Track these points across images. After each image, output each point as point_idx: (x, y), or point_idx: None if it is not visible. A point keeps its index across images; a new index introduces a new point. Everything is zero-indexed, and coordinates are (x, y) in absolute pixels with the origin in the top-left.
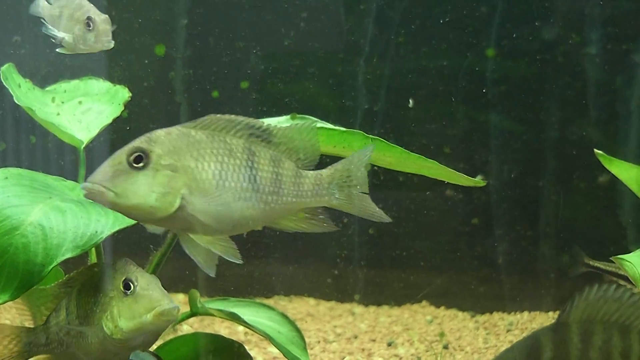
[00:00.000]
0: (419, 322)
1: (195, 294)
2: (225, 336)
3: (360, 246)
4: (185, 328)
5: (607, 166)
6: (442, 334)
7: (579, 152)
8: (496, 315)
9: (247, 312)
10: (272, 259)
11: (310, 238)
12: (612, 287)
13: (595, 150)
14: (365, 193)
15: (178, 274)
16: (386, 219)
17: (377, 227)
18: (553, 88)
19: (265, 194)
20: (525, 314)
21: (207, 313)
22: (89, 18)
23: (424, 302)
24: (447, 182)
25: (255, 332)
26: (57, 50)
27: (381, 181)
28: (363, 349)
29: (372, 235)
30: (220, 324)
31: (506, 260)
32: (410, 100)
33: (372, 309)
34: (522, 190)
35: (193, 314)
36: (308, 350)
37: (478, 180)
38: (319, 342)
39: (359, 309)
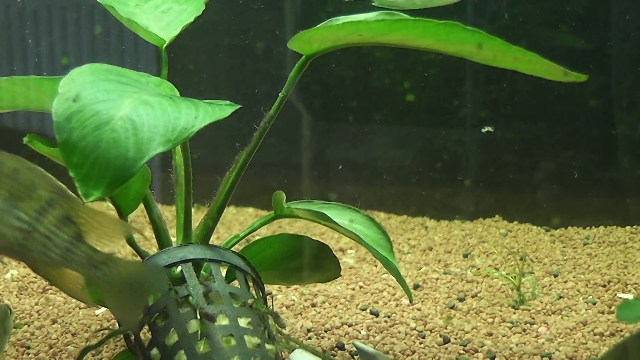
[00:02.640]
0: (494, 235)
1: (280, 194)
2: (310, 237)
3: (429, 162)
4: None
5: None
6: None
7: None
8: (571, 230)
9: (332, 213)
10: (339, 177)
11: (374, 158)
12: None
13: None
14: None
15: (246, 189)
16: None
17: (443, 145)
18: None
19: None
20: (602, 228)
21: (292, 215)
22: None
23: (497, 217)
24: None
25: (343, 233)
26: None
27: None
28: (439, 260)
29: (438, 151)
30: None
31: (581, 173)
32: None
33: (444, 223)
34: (616, 92)
35: (277, 215)
36: None
37: (579, 75)
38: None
39: (431, 222)
